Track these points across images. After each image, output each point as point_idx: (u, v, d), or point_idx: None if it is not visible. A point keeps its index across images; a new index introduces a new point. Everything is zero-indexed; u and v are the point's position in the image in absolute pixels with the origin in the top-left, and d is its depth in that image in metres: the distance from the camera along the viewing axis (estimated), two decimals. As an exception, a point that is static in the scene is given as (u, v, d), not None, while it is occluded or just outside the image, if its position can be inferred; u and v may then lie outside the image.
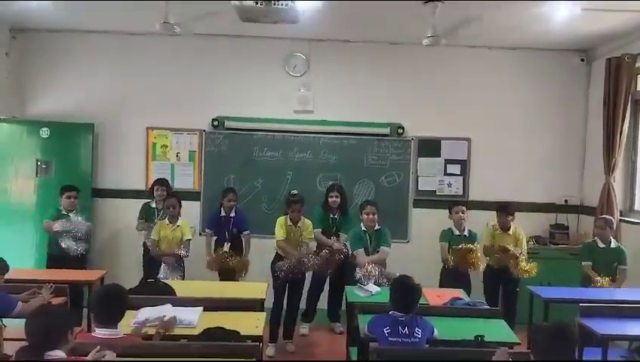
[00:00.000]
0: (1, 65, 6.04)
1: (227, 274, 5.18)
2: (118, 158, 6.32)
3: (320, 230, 5.37)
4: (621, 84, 5.55)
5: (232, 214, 5.52)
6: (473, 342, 3.29)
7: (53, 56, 6.27)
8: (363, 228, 5.02)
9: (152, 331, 3.21)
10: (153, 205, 5.69)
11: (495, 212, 5.37)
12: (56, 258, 5.25)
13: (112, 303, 2.87)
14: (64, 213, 5.27)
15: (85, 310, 4.53)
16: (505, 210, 5.29)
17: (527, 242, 5.50)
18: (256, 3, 4.22)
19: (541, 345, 2.59)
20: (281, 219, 5.15)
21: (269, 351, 4.97)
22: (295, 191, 5.67)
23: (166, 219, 5.27)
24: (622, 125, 5.59)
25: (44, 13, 5.51)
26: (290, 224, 5.09)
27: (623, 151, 5.72)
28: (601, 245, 5.03)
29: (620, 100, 5.57)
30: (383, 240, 5.00)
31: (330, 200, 5.47)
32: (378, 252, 4.94)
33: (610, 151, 5.72)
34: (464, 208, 5.25)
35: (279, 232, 5.08)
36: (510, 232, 5.27)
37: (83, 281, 4.71)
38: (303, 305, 5.44)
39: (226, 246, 5.33)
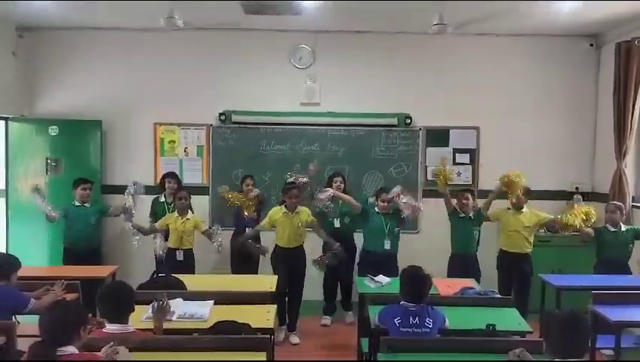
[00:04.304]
0: (9, 64, 6.06)
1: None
2: (126, 154, 6.35)
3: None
4: (631, 68, 5.48)
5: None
6: (485, 331, 3.28)
7: (60, 54, 6.29)
8: (377, 210, 5.11)
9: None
10: (162, 199, 5.72)
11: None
12: (70, 251, 5.32)
13: (118, 301, 2.90)
14: (77, 205, 5.31)
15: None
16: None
17: (538, 230, 5.52)
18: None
19: (554, 333, 2.57)
20: (273, 210, 5.16)
21: (280, 335, 5.05)
22: (292, 179, 5.51)
23: (175, 212, 5.27)
24: (633, 110, 5.52)
25: (50, 11, 5.52)
26: (286, 211, 5.05)
27: (634, 137, 5.66)
28: (612, 229, 5.00)
29: (630, 85, 5.50)
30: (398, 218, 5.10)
31: (334, 185, 5.46)
32: (395, 233, 5.08)
33: (621, 136, 5.65)
34: (468, 195, 5.23)
35: (264, 221, 5.13)
36: (524, 211, 5.24)
37: (94, 277, 4.73)
38: (319, 296, 5.60)
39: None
